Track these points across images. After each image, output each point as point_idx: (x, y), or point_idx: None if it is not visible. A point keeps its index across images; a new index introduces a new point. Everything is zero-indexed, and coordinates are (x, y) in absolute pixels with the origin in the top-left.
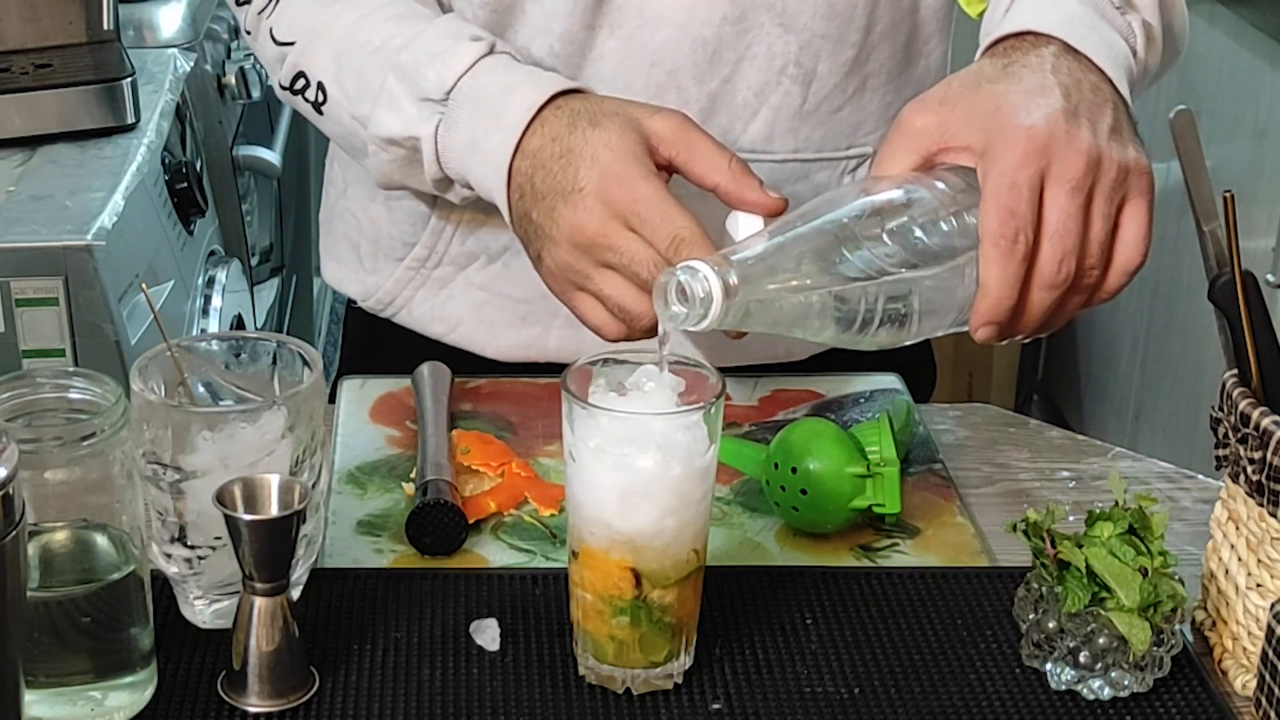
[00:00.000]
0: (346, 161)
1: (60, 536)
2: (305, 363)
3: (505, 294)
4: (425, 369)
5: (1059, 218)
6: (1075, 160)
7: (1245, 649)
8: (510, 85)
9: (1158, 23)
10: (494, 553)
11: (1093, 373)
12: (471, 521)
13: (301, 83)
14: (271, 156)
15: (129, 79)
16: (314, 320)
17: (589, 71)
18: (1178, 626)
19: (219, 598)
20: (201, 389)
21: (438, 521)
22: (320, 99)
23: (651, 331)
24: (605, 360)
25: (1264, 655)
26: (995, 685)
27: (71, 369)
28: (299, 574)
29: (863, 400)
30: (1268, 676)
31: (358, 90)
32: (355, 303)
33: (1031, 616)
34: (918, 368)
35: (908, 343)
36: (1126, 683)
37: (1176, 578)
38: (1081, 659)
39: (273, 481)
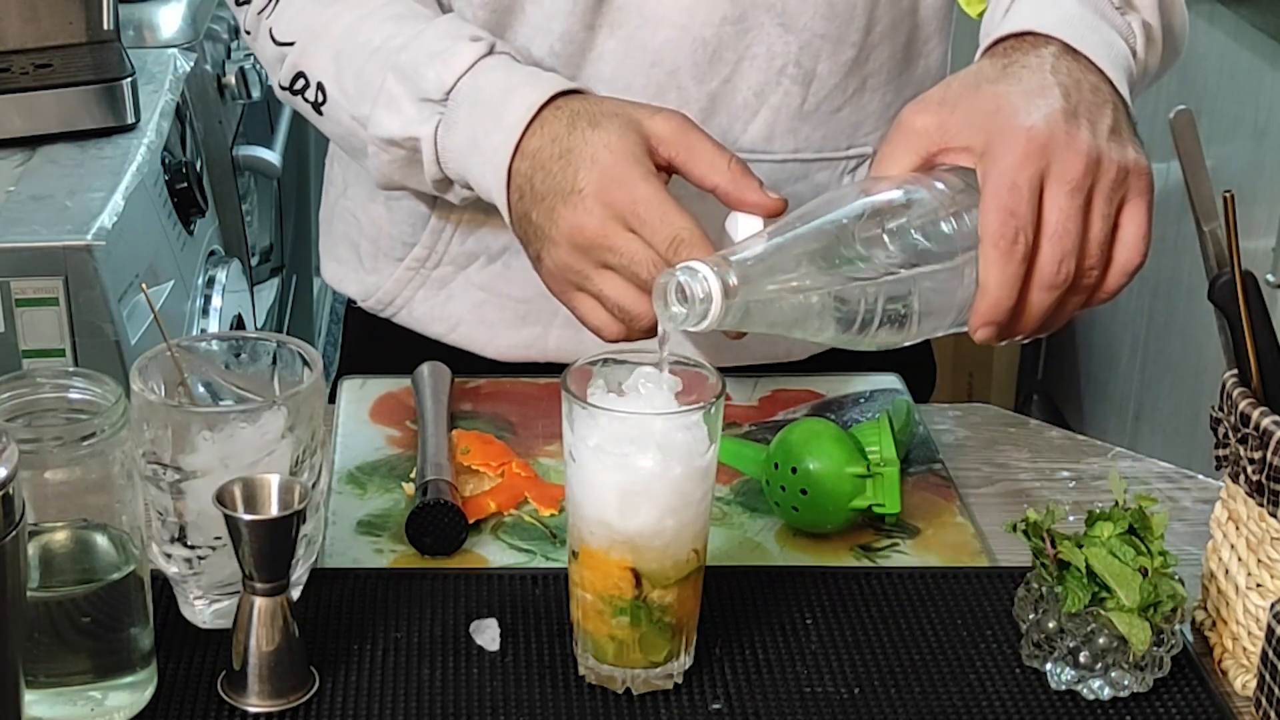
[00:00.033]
0: (346, 161)
1: (60, 536)
2: (305, 363)
3: (505, 294)
4: (425, 369)
5: (1059, 218)
6: (1075, 161)
7: (1245, 649)
8: (510, 86)
9: (1157, 23)
10: (494, 553)
11: (1093, 373)
12: (471, 521)
13: (301, 83)
14: (271, 156)
15: (129, 79)
16: (314, 320)
17: (589, 71)
18: (1178, 626)
19: (219, 598)
20: (201, 389)
21: (438, 521)
22: (320, 99)
23: (651, 332)
24: (605, 360)
25: (1264, 655)
26: (995, 685)
27: (71, 369)
28: (299, 574)
29: (863, 400)
30: (1268, 676)
31: (357, 90)
32: (355, 303)
33: (1031, 616)
34: (918, 368)
35: (907, 343)
36: (1126, 683)
37: (1176, 578)
38: (1081, 659)
39: (273, 481)
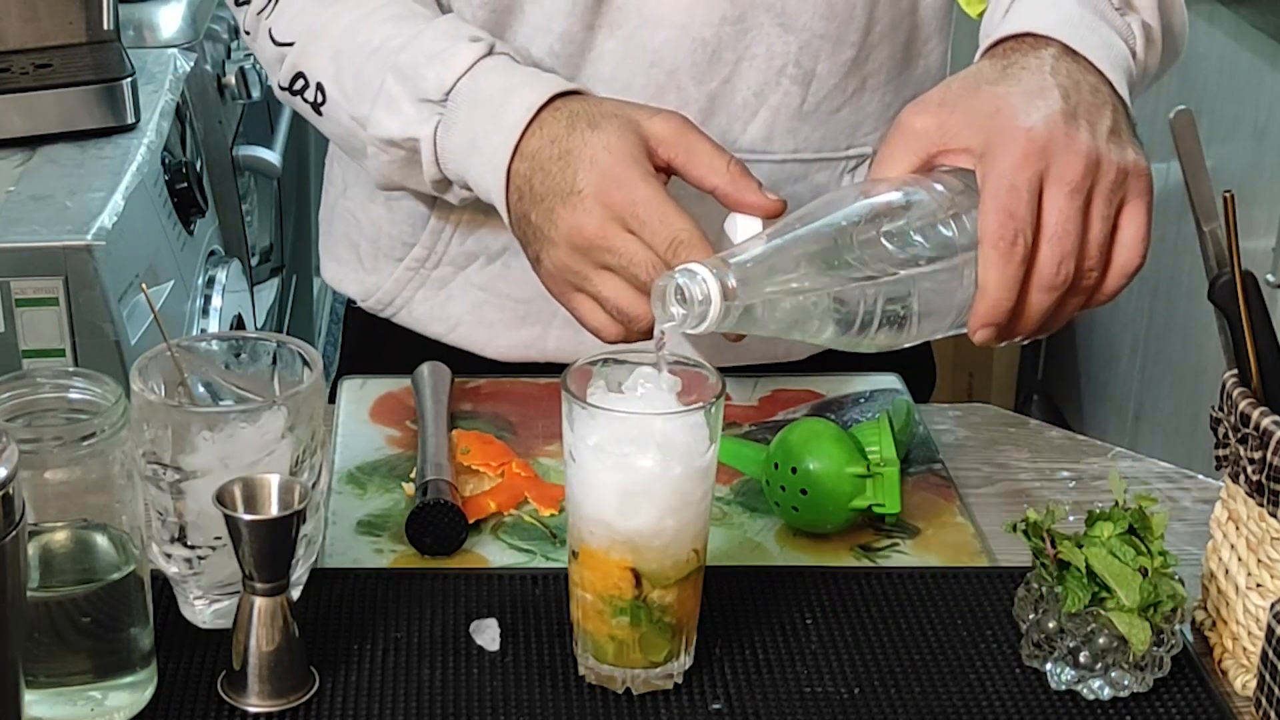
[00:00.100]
0: (346, 162)
1: (60, 536)
2: (305, 363)
3: (505, 294)
4: (425, 369)
5: (1058, 219)
6: (1074, 162)
7: (1245, 649)
8: (509, 86)
9: (1157, 23)
10: (494, 553)
11: (1093, 373)
12: (471, 521)
13: (300, 83)
14: (271, 156)
15: (129, 79)
16: (314, 320)
17: (588, 72)
18: (1178, 626)
19: (219, 598)
20: (201, 389)
21: (438, 521)
22: (319, 99)
23: (650, 333)
24: (605, 360)
25: (1264, 655)
26: (995, 685)
27: (71, 369)
28: (299, 574)
29: (863, 400)
30: (1268, 676)
31: (357, 91)
32: (355, 303)
33: (1031, 616)
34: (918, 368)
35: (907, 345)
36: (1126, 683)
37: (1176, 578)
38: (1081, 659)
39: (273, 481)
